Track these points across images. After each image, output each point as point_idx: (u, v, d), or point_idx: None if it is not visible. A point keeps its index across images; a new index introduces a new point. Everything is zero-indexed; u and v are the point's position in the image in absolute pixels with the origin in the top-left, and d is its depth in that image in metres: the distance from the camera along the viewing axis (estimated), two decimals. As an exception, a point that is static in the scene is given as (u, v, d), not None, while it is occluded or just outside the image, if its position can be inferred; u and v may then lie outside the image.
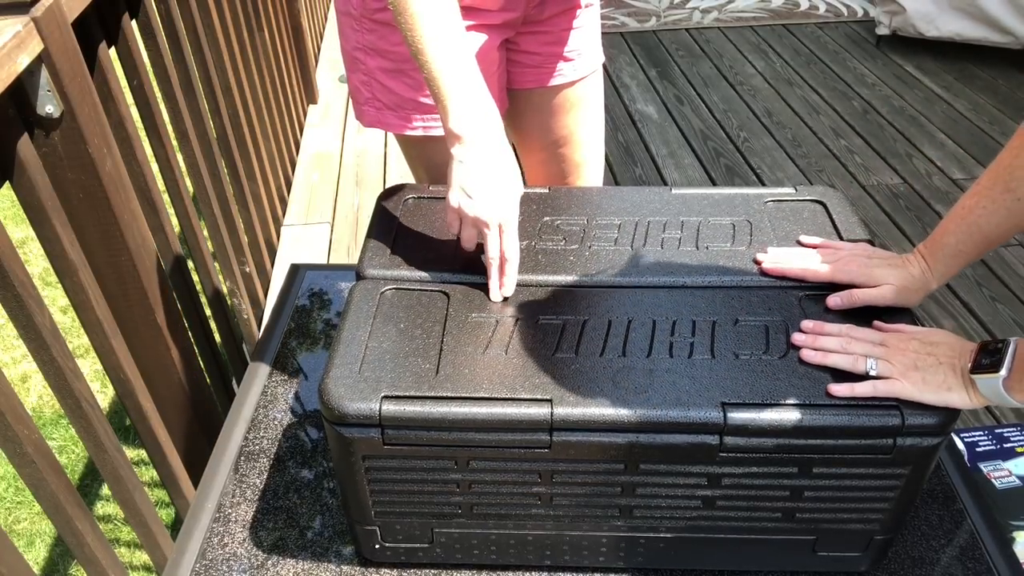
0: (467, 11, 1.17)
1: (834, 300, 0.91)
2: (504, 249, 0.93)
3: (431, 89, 0.95)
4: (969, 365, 0.79)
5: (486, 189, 0.94)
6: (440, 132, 1.08)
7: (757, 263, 0.97)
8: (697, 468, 0.81)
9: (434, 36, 0.94)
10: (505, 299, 0.93)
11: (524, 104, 1.40)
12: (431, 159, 1.32)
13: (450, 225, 0.98)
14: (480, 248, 0.96)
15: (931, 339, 0.84)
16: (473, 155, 0.94)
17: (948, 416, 0.78)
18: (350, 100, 1.35)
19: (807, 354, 0.84)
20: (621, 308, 0.91)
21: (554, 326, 0.88)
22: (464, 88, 0.95)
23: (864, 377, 0.81)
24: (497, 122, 0.96)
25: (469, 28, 1.18)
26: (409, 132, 1.27)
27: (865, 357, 0.82)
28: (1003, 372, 0.75)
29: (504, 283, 0.93)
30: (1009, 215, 0.84)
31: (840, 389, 0.80)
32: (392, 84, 1.23)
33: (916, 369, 0.80)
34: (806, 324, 0.88)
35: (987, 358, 0.78)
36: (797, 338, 0.86)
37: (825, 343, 0.85)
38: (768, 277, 0.95)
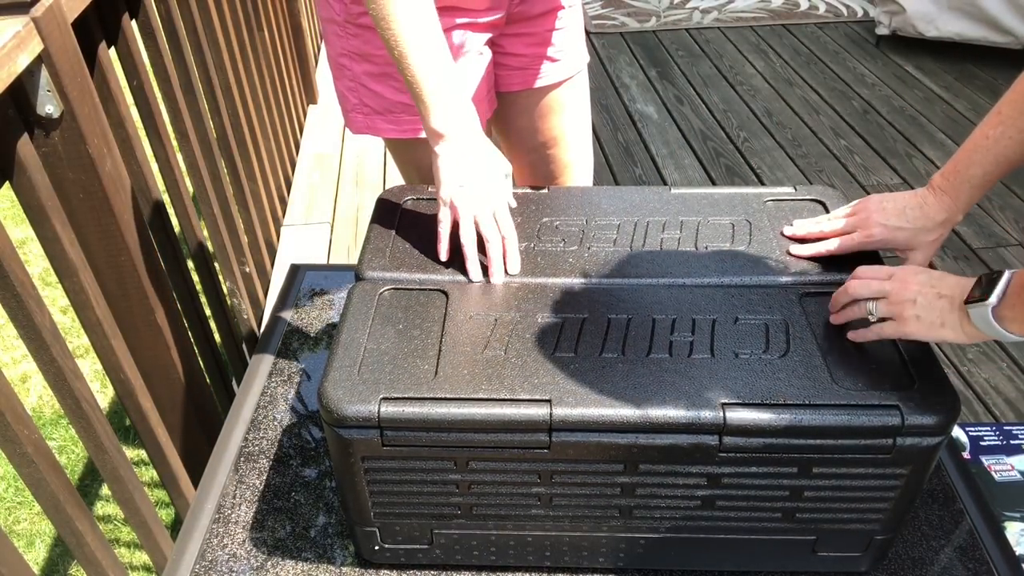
0: (453, 11, 1.17)
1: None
2: (502, 231, 0.98)
3: (412, 90, 1.00)
4: (965, 296, 0.78)
5: (475, 179, 0.99)
6: None
7: (790, 254, 0.99)
8: (697, 468, 0.81)
9: (414, 39, 0.98)
10: (508, 285, 0.96)
11: (511, 106, 1.40)
12: (422, 161, 1.31)
13: (440, 222, 1.00)
14: (480, 245, 0.98)
15: (939, 273, 0.83)
16: (457, 150, 1.00)
17: (948, 416, 0.78)
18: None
19: (834, 317, 0.89)
20: (620, 307, 0.91)
21: (553, 325, 0.88)
22: (444, 87, 0.99)
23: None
24: (474, 116, 1.02)
25: (456, 27, 1.19)
26: (400, 135, 1.27)
27: (867, 301, 0.85)
28: (992, 300, 0.73)
29: (509, 262, 0.97)
30: None
31: (855, 335, 0.86)
32: (379, 88, 1.22)
33: (914, 305, 0.80)
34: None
35: (981, 289, 0.76)
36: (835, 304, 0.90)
37: (838, 296, 0.88)
38: (767, 276, 0.95)
